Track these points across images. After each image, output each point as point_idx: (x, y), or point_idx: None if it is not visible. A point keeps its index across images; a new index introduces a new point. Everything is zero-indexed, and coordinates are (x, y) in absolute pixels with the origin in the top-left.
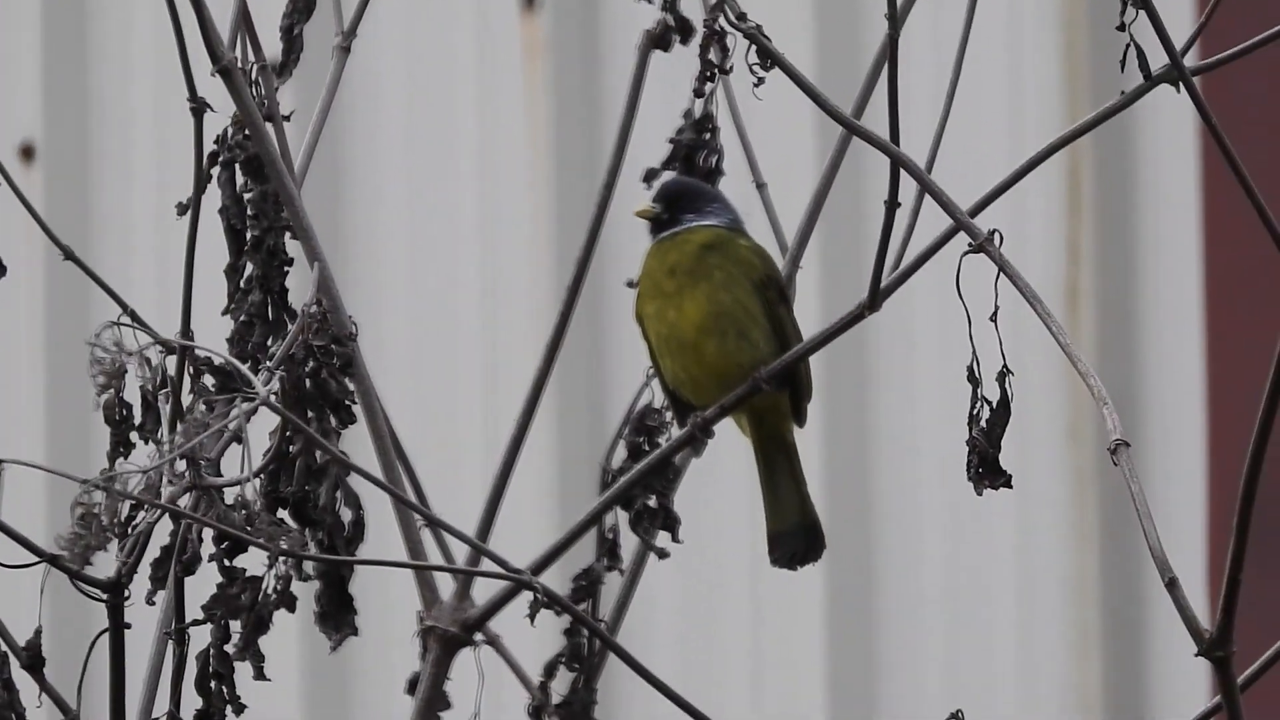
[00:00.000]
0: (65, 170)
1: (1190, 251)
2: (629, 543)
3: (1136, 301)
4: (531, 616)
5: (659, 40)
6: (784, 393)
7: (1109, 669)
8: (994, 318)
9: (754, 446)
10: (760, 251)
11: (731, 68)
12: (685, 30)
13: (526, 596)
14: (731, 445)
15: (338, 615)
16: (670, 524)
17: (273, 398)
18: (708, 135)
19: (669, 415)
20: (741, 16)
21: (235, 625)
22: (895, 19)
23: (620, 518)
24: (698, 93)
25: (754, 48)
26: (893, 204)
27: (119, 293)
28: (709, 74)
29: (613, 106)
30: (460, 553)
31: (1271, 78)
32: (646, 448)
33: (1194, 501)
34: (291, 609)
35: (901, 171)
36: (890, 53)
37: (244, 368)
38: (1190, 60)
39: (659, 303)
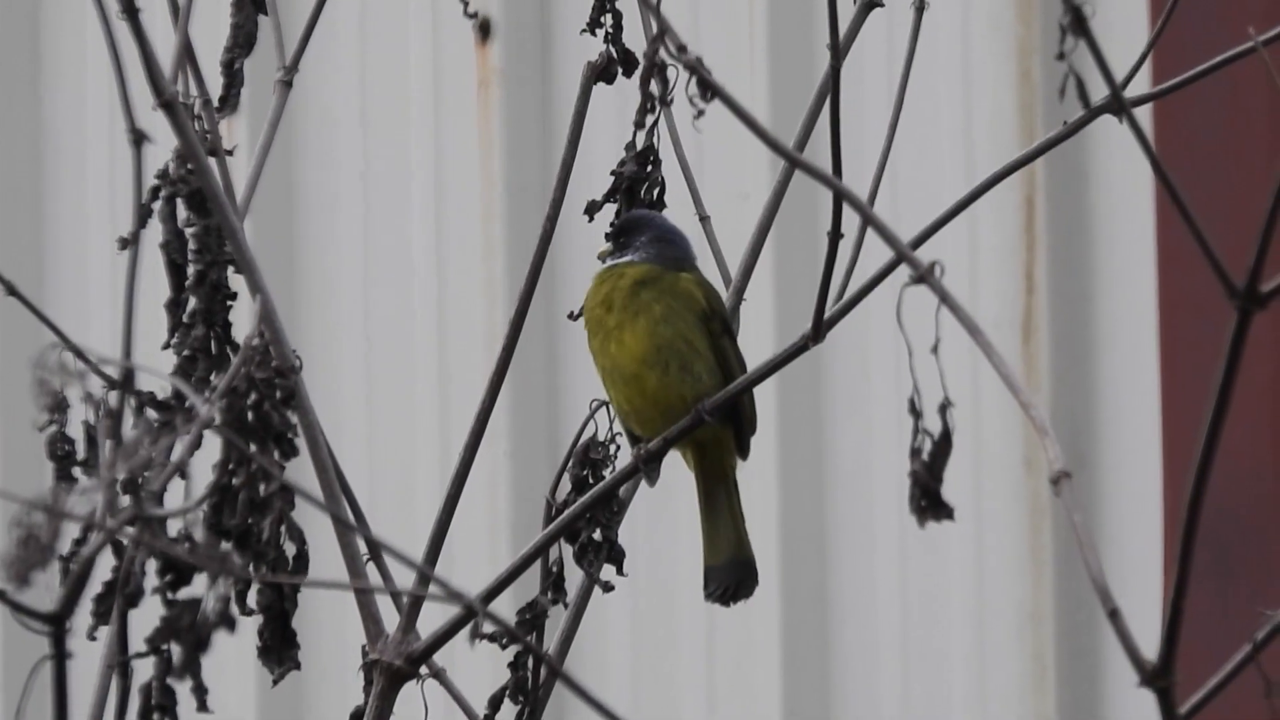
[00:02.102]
0: (19, 203)
1: (1145, 280)
2: (575, 576)
3: (1092, 330)
4: (473, 639)
5: (602, 73)
6: (728, 427)
7: (1065, 697)
8: (935, 350)
9: (696, 479)
10: (703, 283)
11: (672, 100)
12: (629, 63)
13: (469, 632)
14: (684, 477)
15: (280, 649)
16: (615, 557)
17: (209, 424)
18: (650, 168)
19: (614, 448)
20: (682, 48)
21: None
22: (838, 50)
23: (566, 551)
24: (638, 124)
25: (694, 79)
26: (835, 235)
27: (75, 325)
28: (650, 106)
29: (565, 136)
30: (408, 587)
31: (1225, 101)
32: (591, 481)
33: (1150, 530)
34: (231, 629)
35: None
36: (833, 84)
37: (187, 387)
38: (1142, 83)
39: (600, 338)
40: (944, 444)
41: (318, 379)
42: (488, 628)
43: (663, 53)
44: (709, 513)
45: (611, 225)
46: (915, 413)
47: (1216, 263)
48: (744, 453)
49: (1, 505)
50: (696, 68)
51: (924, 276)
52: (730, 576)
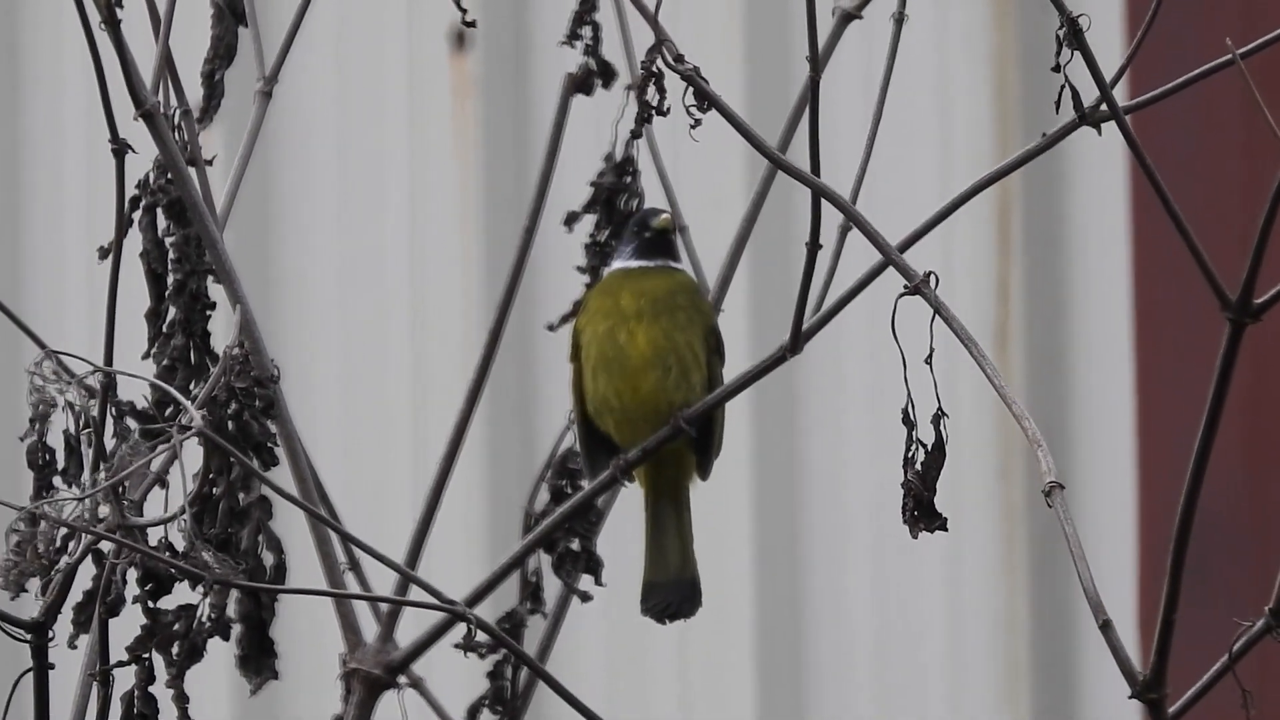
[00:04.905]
0: None
1: (1120, 291)
2: (553, 586)
3: (1066, 341)
4: (465, 647)
5: (581, 84)
6: (691, 449)
7: (1039, 708)
8: (929, 360)
9: (645, 493)
10: (708, 299)
11: (669, 109)
12: (607, 74)
13: (450, 640)
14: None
15: (258, 659)
16: (593, 567)
17: (198, 431)
18: (629, 178)
19: (582, 458)
20: (679, 58)
21: (160, 668)
22: (817, 61)
23: (544, 561)
24: (635, 134)
25: (690, 89)
26: (814, 246)
27: (51, 334)
28: (646, 115)
29: (543, 147)
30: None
31: (1198, 113)
32: (569, 491)
33: (1124, 540)
34: (226, 637)
35: (823, 215)
36: (811, 96)
37: (176, 393)
38: (1116, 92)
39: (612, 322)
40: (937, 454)
41: (293, 389)
42: (475, 635)
43: (659, 62)
44: (656, 528)
45: (655, 210)
46: (909, 423)
47: (1211, 275)
48: (705, 474)
49: None
50: (694, 78)
51: (919, 287)
52: (674, 594)
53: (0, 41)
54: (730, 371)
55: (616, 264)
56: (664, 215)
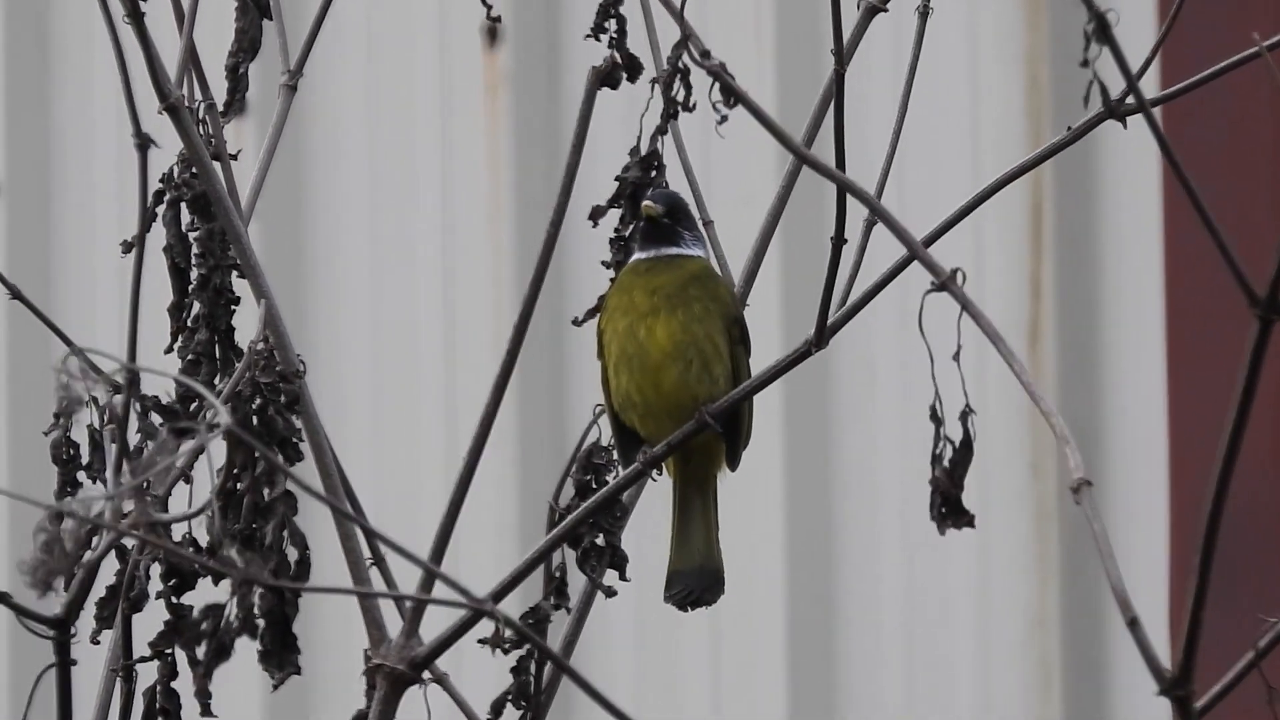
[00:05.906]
0: (27, 207)
1: (1153, 287)
2: (578, 581)
3: (1099, 338)
4: (493, 645)
5: (607, 78)
6: (721, 438)
7: (1070, 704)
8: (957, 357)
9: (673, 483)
10: (731, 288)
11: (695, 105)
12: (633, 68)
13: (472, 637)
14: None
15: (281, 654)
16: (618, 562)
17: (226, 430)
18: (654, 173)
19: (616, 453)
20: (705, 54)
21: (183, 664)
22: (842, 56)
23: (569, 556)
24: (661, 130)
25: (717, 85)
26: (839, 240)
27: (82, 330)
28: (673, 111)
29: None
30: (411, 591)
31: (1228, 109)
32: (594, 485)
33: (1156, 537)
34: (254, 636)
35: (850, 209)
36: (836, 90)
37: (204, 390)
38: (1149, 90)
39: (631, 319)
40: (965, 451)
41: (324, 384)
42: (501, 631)
43: (685, 58)
44: (682, 518)
45: (650, 195)
46: (937, 420)
47: (1238, 272)
48: (734, 464)
49: (14, 507)
50: (720, 73)
51: (946, 284)
52: (697, 583)
53: (30, 37)
54: (758, 365)
55: (632, 257)
56: (646, 202)
